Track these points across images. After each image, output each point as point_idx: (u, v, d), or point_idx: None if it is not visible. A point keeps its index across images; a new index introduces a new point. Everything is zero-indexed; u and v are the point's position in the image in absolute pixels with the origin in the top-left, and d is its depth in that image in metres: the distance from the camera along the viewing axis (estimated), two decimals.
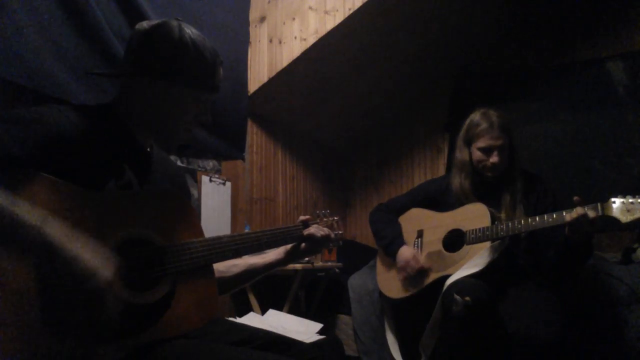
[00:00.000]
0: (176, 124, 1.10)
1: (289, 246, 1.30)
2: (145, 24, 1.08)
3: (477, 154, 1.97)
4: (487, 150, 1.94)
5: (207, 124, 1.15)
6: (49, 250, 0.74)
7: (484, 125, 1.94)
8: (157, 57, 1.04)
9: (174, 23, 1.08)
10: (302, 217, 1.33)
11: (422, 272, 1.99)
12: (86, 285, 0.76)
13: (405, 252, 2.02)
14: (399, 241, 2.09)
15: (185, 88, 1.07)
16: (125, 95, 1.09)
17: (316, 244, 1.30)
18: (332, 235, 1.35)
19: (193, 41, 1.06)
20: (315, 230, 1.29)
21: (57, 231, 0.76)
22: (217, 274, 1.17)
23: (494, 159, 1.93)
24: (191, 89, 1.07)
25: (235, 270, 1.26)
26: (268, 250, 1.29)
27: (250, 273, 1.28)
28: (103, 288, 0.79)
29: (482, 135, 1.94)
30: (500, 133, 1.92)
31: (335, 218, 1.45)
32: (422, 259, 2.00)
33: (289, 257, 1.30)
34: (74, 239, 0.77)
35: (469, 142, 2.01)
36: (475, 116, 2.00)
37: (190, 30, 1.08)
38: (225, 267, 1.24)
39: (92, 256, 0.78)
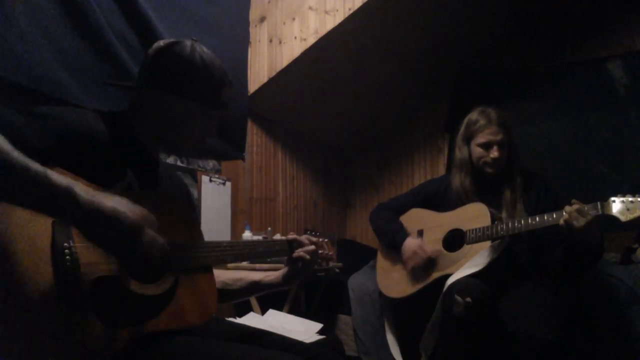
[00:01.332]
0: (183, 136, 1.17)
1: (285, 271, 1.36)
2: (161, 42, 1.16)
3: (477, 151, 1.98)
4: (486, 146, 1.95)
5: (212, 137, 1.22)
6: (84, 207, 0.79)
7: (482, 121, 1.96)
8: (168, 71, 1.12)
9: (188, 42, 1.15)
10: (290, 237, 1.37)
11: (425, 268, 1.98)
12: (125, 227, 0.83)
13: (411, 243, 2.02)
14: (403, 233, 2.09)
15: (192, 102, 1.14)
16: (137, 105, 1.15)
17: (306, 265, 1.34)
18: (320, 251, 1.41)
19: (202, 60, 1.14)
20: (303, 254, 1.34)
21: (86, 190, 0.81)
22: (223, 286, 1.29)
23: (494, 153, 1.93)
24: (198, 103, 1.14)
25: (240, 284, 1.34)
26: (269, 273, 1.37)
27: (252, 289, 1.36)
28: (141, 226, 0.85)
29: (480, 131, 1.96)
30: (498, 128, 1.94)
31: (326, 240, 1.49)
32: (428, 249, 1.99)
33: (285, 281, 1.36)
34: (104, 195, 0.84)
35: (468, 140, 2.02)
36: (474, 114, 2.01)
37: (201, 50, 1.16)
38: (232, 280, 1.32)
39: (128, 204, 0.85)
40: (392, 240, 2.11)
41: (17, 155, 0.74)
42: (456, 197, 2.04)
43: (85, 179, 0.93)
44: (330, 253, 1.48)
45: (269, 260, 2.37)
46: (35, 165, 0.76)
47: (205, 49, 1.17)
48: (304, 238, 1.37)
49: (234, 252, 1.21)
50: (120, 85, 1.72)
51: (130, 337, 0.91)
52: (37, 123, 0.91)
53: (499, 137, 1.94)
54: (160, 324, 0.97)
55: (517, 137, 3.34)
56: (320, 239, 1.46)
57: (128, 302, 0.92)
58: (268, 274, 1.37)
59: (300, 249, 1.33)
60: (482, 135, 1.95)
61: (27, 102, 1.62)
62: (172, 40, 1.16)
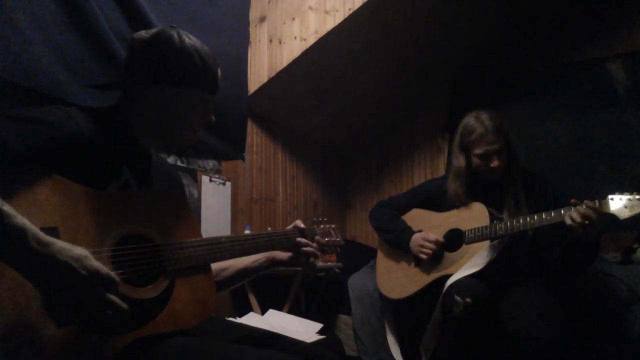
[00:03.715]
0: (185, 126, 1.14)
1: (278, 255, 1.33)
2: (144, 33, 1.11)
3: (477, 161, 1.94)
4: (485, 156, 1.91)
5: (211, 123, 1.19)
6: (33, 253, 0.76)
7: (478, 130, 1.90)
8: (164, 63, 1.08)
9: (172, 30, 1.11)
10: (298, 224, 1.35)
11: (436, 258, 1.97)
12: (73, 285, 0.79)
13: (417, 238, 2.02)
14: (409, 231, 2.08)
15: (192, 90, 1.11)
16: (130, 100, 1.11)
17: (305, 256, 1.33)
18: (326, 244, 1.40)
19: (193, 46, 1.11)
20: (310, 249, 1.33)
21: (39, 237, 0.77)
22: None
23: (494, 163, 1.89)
24: (197, 90, 1.12)
25: (225, 274, 1.30)
26: (256, 257, 1.33)
27: (239, 276, 1.32)
28: (88, 285, 0.80)
29: (478, 141, 1.91)
30: (495, 136, 1.89)
31: (333, 226, 1.48)
32: (432, 237, 1.98)
33: (274, 264, 1.34)
34: (64, 247, 0.80)
35: (465, 149, 1.98)
36: (469, 121, 1.96)
37: (187, 36, 1.12)
38: (216, 271, 1.27)
39: (72, 258, 0.80)
40: (399, 239, 2.10)
41: None
42: (451, 203, 2.03)
43: (79, 180, 0.91)
44: (339, 239, 1.46)
45: None
46: None
47: (190, 35, 1.13)
48: (314, 230, 1.38)
49: (234, 247, 1.17)
50: (111, 85, 1.70)
51: (126, 343, 0.90)
52: (22, 128, 0.87)
53: (496, 146, 1.89)
54: (157, 327, 0.95)
55: (517, 137, 3.35)
56: (328, 226, 1.45)
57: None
58: (256, 258, 1.34)
59: (308, 246, 1.32)
60: (479, 147, 1.91)
61: (27, 102, 1.62)
62: (153, 30, 1.12)
